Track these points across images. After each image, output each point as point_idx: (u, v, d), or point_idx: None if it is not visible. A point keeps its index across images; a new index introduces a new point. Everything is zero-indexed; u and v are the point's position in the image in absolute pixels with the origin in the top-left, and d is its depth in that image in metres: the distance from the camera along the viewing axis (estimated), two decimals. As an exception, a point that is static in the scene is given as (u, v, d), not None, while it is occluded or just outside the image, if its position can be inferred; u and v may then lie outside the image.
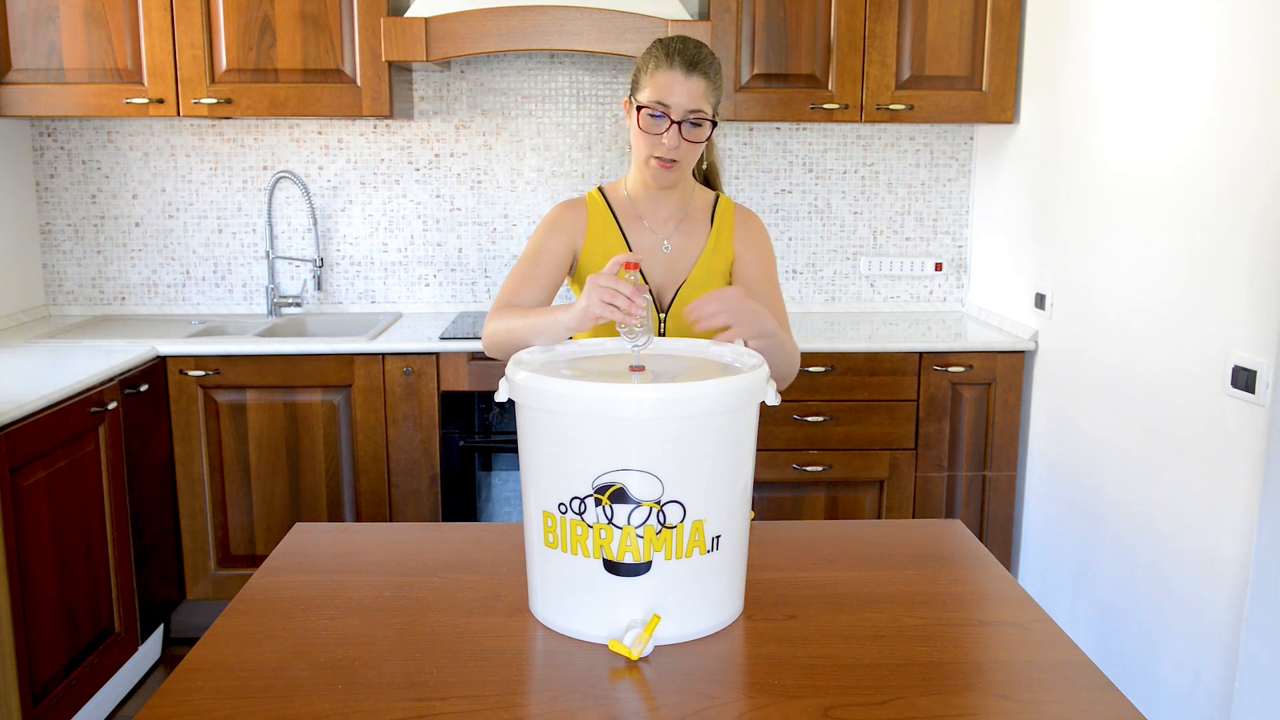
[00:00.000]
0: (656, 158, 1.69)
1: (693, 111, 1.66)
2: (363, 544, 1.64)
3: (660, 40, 1.71)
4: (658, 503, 1.27)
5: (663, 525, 1.28)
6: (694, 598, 1.32)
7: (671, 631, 1.31)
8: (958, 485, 3.13)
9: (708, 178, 1.93)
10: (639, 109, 1.69)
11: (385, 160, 3.45)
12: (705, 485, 1.30)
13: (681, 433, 1.28)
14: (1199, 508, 2.19)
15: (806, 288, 3.59)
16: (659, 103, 1.66)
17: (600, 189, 1.85)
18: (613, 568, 1.30)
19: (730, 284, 1.83)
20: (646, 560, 1.29)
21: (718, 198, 1.86)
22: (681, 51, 1.67)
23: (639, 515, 1.28)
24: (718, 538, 1.31)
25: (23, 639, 2.26)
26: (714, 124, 1.71)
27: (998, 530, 3.15)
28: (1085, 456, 2.71)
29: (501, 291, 1.79)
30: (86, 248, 3.45)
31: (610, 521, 1.28)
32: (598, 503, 1.28)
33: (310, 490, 3.03)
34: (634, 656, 1.26)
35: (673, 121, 1.65)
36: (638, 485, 1.27)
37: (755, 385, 1.32)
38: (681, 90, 1.65)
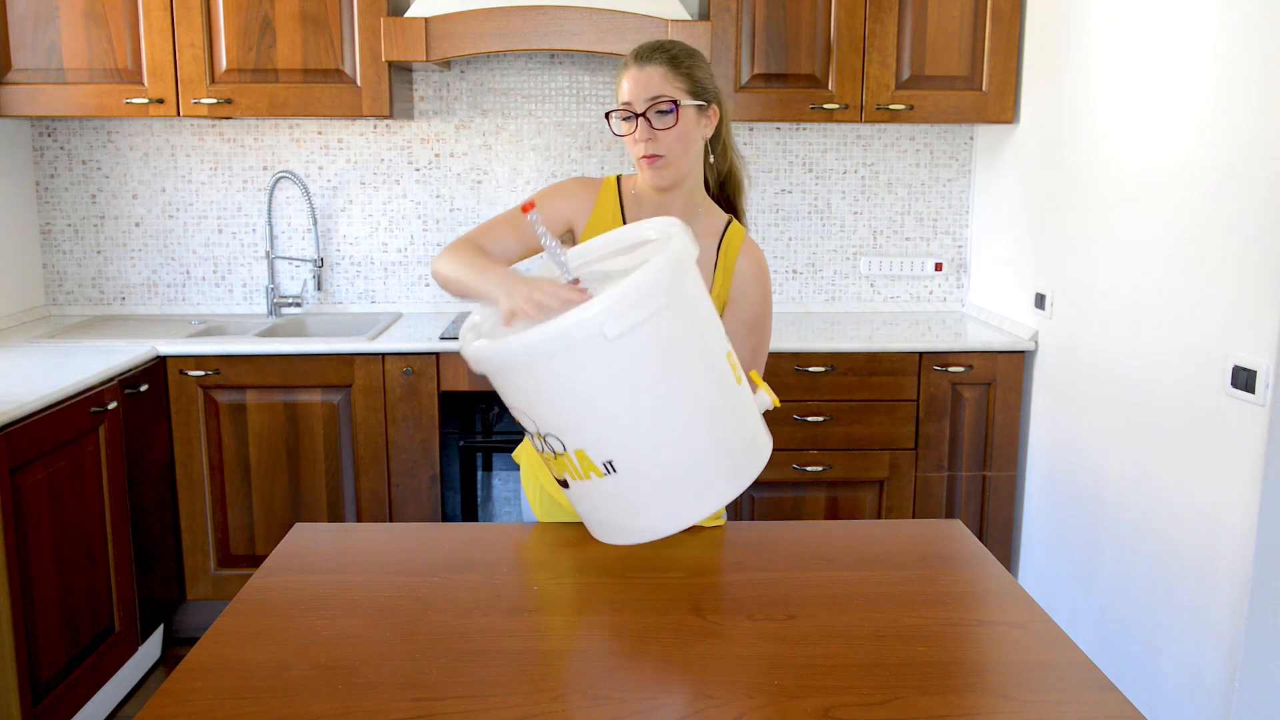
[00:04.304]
0: (641, 156, 1.68)
1: (653, 99, 1.63)
2: (363, 544, 1.64)
3: None
4: (539, 434, 1.39)
5: (555, 453, 1.39)
6: (614, 510, 1.43)
7: (608, 535, 1.48)
8: (958, 485, 3.13)
9: (724, 186, 1.83)
10: (609, 117, 1.69)
11: (385, 160, 3.45)
12: (573, 420, 1.36)
13: (525, 381, 1.35)
14: (1199, 508, 2.19)
15: (806, 288, 3.59)
16: (622, 103, 1.66)
17: (619, 178, 1.79)
18: (559, 483, 1.47)
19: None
20: (562, 478, 1.44)
21: (729, 224, 1.75)
22: (638, 50, 1.67)
23: (539, 443, 1.41)
24: (609, 462, 1.35)
25: (23, 639, 2.26)
26: (701, 107, 1.67)
27: (998, 530, 3.15)
28: (1085, 456, 2.71)
29: (478, 227, 1.75)
30: (86, 248, 3.45)
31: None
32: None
33: (310, 490, 3.03)
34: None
35: (637, 115, 1.64)
36: (527, 420, 1.40)
37: (582, 329, 1.28)
38: (637, 82, 1.64)
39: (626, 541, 1.47)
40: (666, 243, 1.40)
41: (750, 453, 1.46)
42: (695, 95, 1.66)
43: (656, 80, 1.63)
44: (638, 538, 1.45)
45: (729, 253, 1.72)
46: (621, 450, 1.35)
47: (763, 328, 1.74)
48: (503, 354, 1.32)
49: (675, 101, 1.63)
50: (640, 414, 1.34)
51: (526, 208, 1.43)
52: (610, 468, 1.35)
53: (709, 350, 1.41)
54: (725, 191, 1.83)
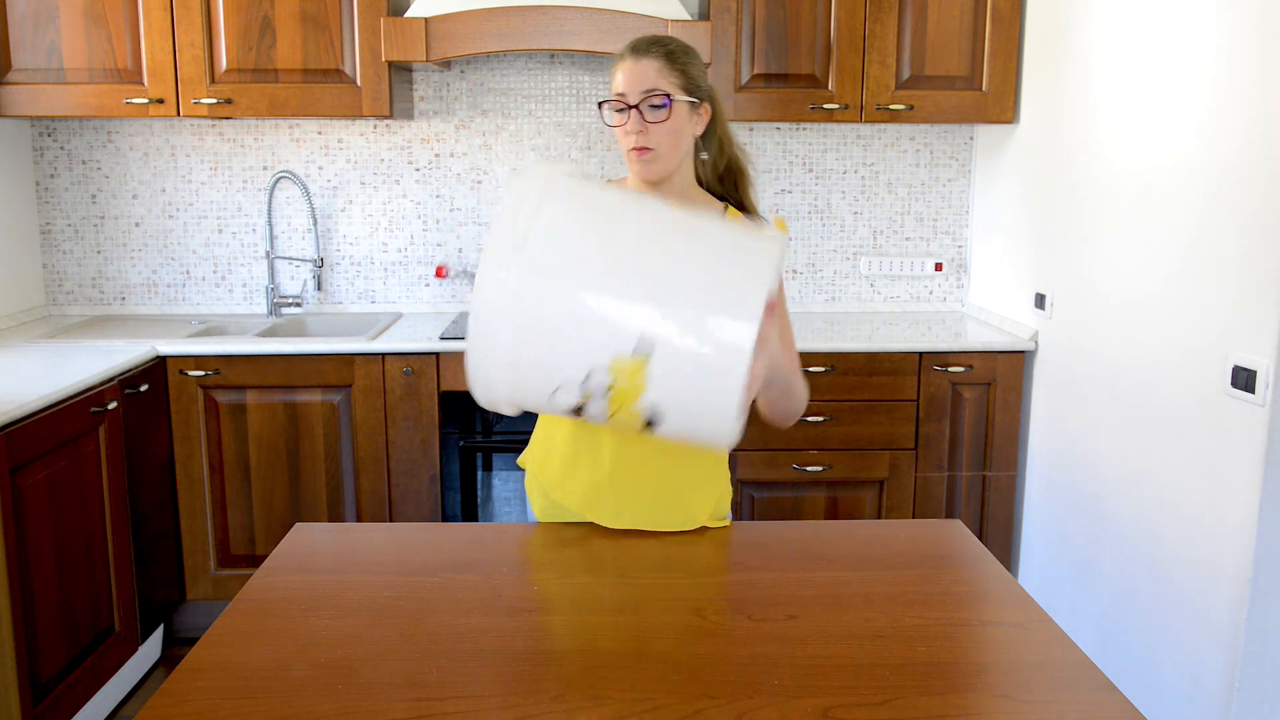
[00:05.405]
0: (632, 148, 1.68)
1: (647, 92, 1.63)
2: (363, 544, 1.64)
3: None
4: (580, 381, 1.32)
5: (607, 388, 1.30)
6: (687, 385, 1.29)
7: (721, 425, 1.31)
8: (958, 485, 3.13)
9: (724, 178, 1.81)
10: (601, 107, 1.70)
11: (385, 160, 3.45)
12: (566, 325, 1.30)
13: (524, 327, 1.31)
14: (1199, 508, 2.19)
15: (806, 288, 3.59)
16: (616, 93, 1.67)
17: (609, 181, 1.78)
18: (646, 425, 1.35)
19: None
20: (646, 413, 1.32)
21: (724, 210, 1.75)
22: (635, 43, 1.68)
23: (592, 404, 1.34)
24: (636, 349, 1.29)
25: (23, 639, 2.26)
26: (694, 104, 1.67)
27: (998, 530, 3.15)
28: (1085, 456, 2.71)
29: None
30: (86, 248, 3.45)
31: None
32: None
33: (310, 490, 3.03)
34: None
35: (629, 106, 1.65)
36: (563, 376, 1.33)
37: (499, 248, 1.30)
38: (631, 73, 1.65)
39: (738, 406, 1.30)
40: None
41: (755, 253, 1.34)
42: (689, 92, 1.66)
43: (651, 73, 1.64)
44: (734, 391, 1.29)
45: None
46: (632, 321, 1.28)
47: (777, 306, 1.74)
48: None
49: (669, 96, 1.64)
50: (603, 283, 1.30)
51: (439, 273, 1.46)
52: (646, 347, 1.28)
53: (628, 208, 1.37)
54: (725, 181, 1.82)
